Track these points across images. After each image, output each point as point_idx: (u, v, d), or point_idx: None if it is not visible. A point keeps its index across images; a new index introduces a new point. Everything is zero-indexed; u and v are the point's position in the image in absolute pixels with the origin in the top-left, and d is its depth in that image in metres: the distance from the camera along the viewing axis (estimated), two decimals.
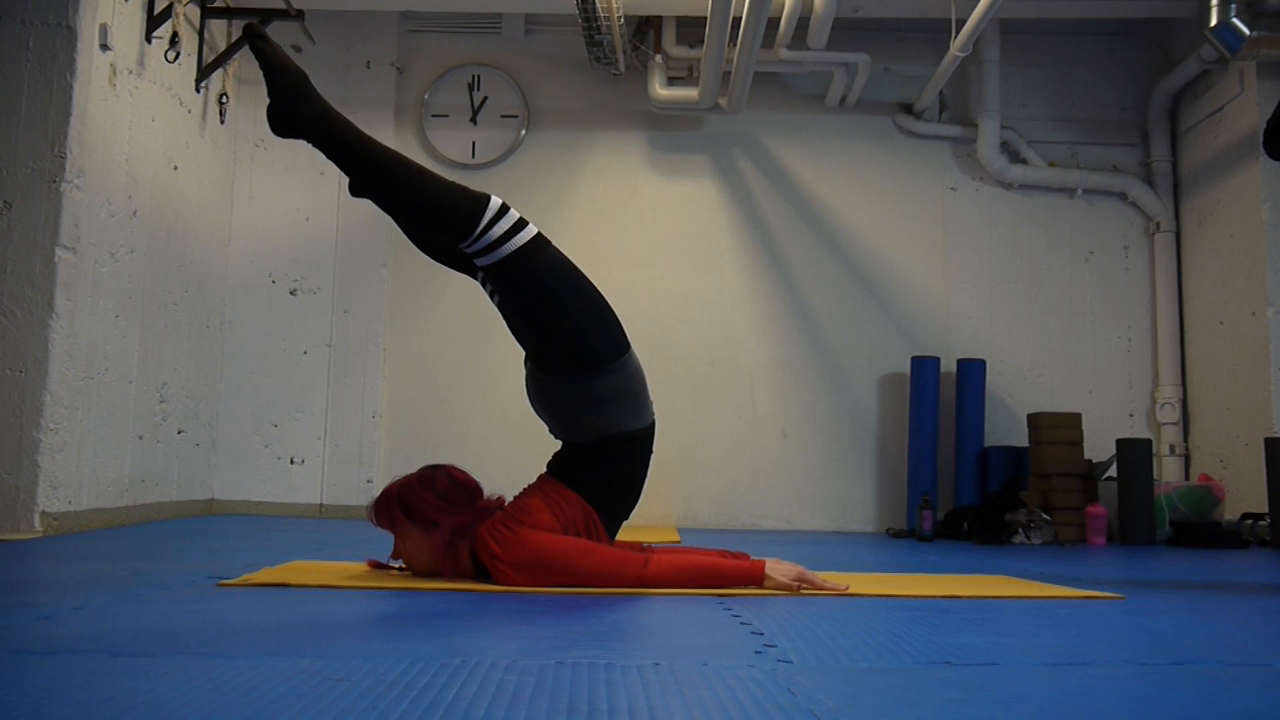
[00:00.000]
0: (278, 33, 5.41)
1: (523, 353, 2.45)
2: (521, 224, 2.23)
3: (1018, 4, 5.24)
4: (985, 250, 5.96)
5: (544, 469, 2.43)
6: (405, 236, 2.67)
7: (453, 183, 2.23)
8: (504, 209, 2.22)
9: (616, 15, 5.24)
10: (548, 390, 2.35)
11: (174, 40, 4.61)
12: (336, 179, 5.74)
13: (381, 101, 5.86)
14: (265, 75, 2.14)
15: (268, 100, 2.16)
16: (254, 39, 2.15)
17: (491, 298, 2.46)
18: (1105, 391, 5.86)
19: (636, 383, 2.37)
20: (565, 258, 2.30)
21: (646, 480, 2.46)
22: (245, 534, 4.09)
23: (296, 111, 2.13)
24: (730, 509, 5.68)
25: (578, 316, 2.27)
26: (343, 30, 5.82)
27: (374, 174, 2.18)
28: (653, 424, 2.43)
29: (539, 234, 2.26)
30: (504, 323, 2.47)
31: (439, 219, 2.20)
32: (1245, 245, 5.32)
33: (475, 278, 2.47)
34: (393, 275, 5.77)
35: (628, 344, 2.36)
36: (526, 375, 2.42)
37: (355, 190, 2.42)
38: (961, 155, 6.01)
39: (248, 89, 5.69)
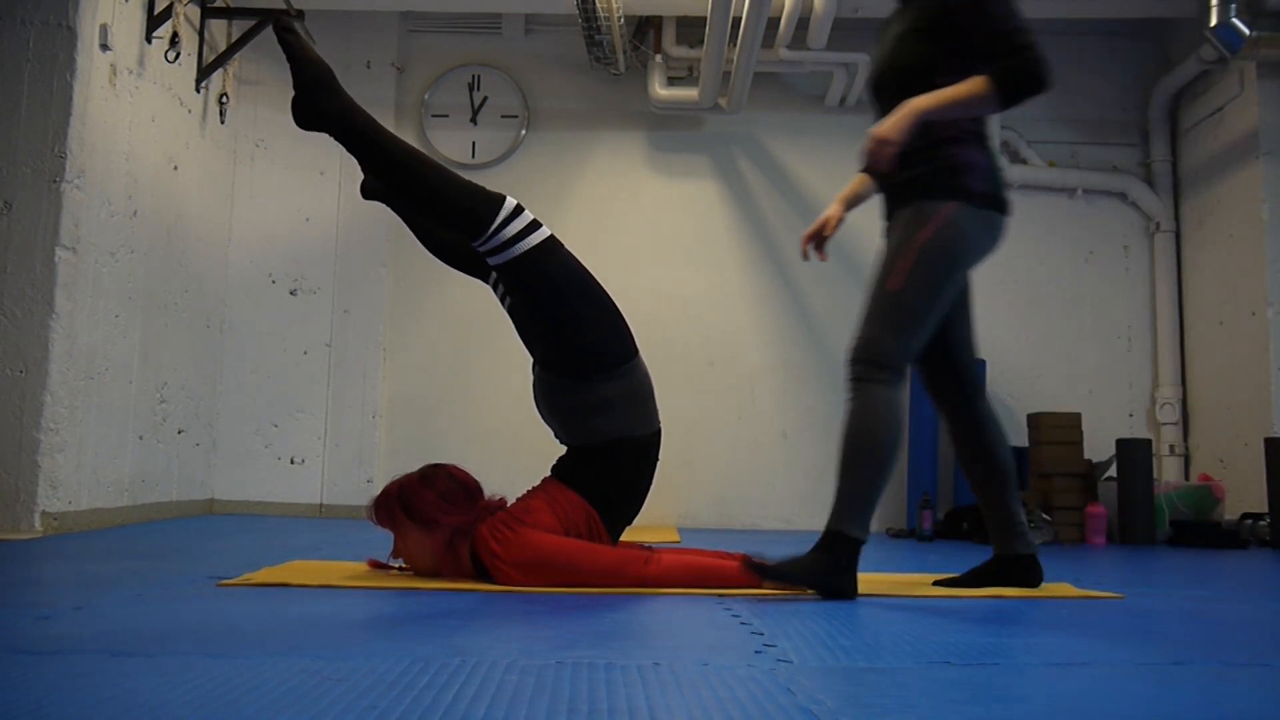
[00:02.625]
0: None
1: (529, 357, 2.46)
2: (535, 225, 2.25)
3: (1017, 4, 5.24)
4: None
5: (547, 471, 2.44)
6: (416, 239, 2.68)
7: (469, 182, 2.25)
8: (518, 210, 2.24)
9: (616, 15, 5.24)
10: (554, 393, 2.36)
11: (174, 40, 4.60)
12: (337, 179, 5.74)
13: (381, 101, 5.85)
14: (291, 67, 2.14)
15: (292, 93, 2.17)
16: (281, 31, 2.15)
17: (503, 301, 2.47)
18: (1105, 391, 5.86)
19: (643, 388, 2.38)
20: (577, 261, 2.32)
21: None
22: (245, 534, 4.09)
23: (319, 104, 2.14)
24: (730, 509, 5.68)
25: (586, 318, 2.28)
26: (343, 30, 5.82)
27: (392, 168, 2.18)
28: (658, 432, 2.43)
29: (551, 236, 2.28)
30: (509, 326, 2.48)
31: (454, 216, 2.21)
32: (1245, 245, 5.32)
33: (487, 280, 2.49)
34: (393, 275, 5.77)
35: (635, 349, 2.38)
36: (534, 380, 2.43)
37: (367, 192, 2.43)
38: None
39: (248, 89, 5.69)
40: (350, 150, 2.19)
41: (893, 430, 2.16)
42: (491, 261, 2.26)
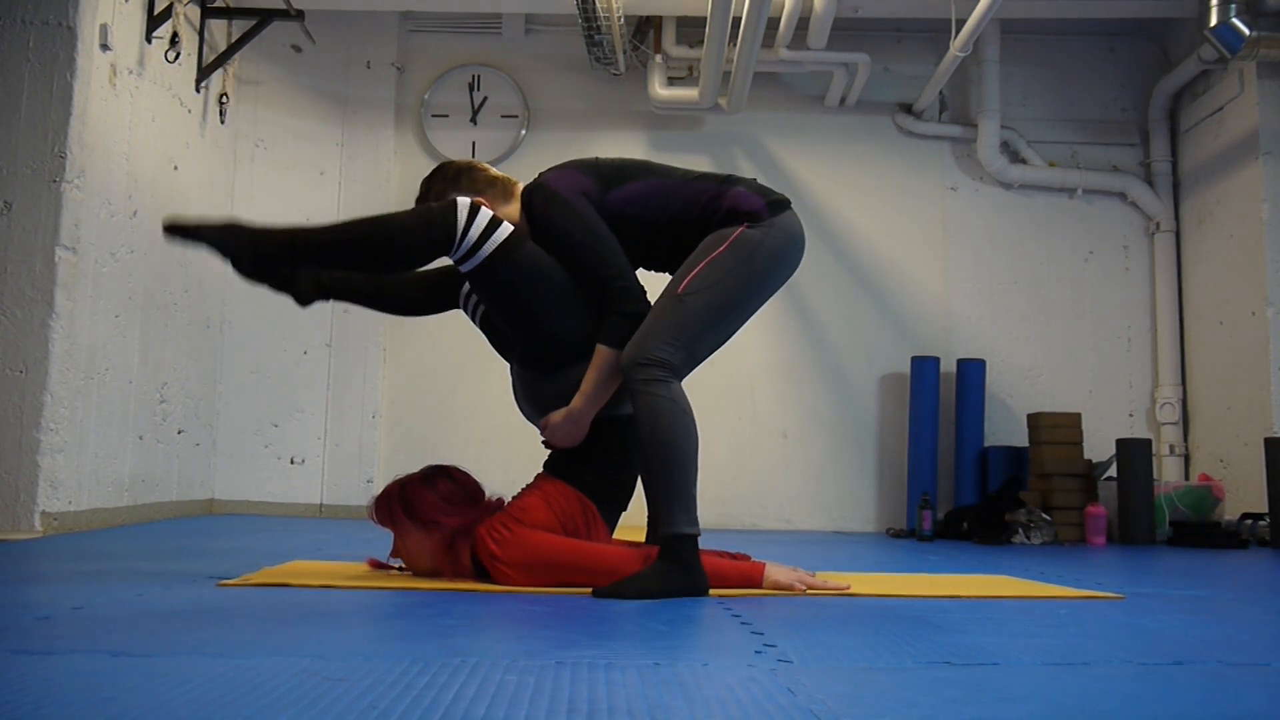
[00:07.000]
0: (278, 32, 5.41)
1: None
2: (496, 221, 2.24)
3: (1018, 4, 5.24)
4: (985, 250, 5.96)
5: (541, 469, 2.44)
6: (383, 312, 2.66)
7: (413, 208, 2.25)
8: (475, 207, 2.23)
9: (616, 15, 5.24)
10: (534, 388, 2.37)
11: (174, 40, 4.60)
12: (337, 179, 5.75)
13: (381, 101, 5.85)
14: (209, 249, 2.16)
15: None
16: (172, 232, 2.19)
17: (473, 315, 2.49)
18: (1105, 391, 5.86)
19: None
20: (543, 252, 2.31)
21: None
22: (245, 534, 4.09)
23: (258, 251, 2.14)
24: (730, 509, 5.68)
25: (558, 308, 2.29)
26: (343, 30, 5.82)
27: (349, 249, 2.17)
28: None
29: (514, 231, 2.27)
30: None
31: (423, 242, 2.20)
32: (1245, 245, 5.32)
33: (458, 304, 2.50)
34: None
35: None
36: (513, 381, 2.44)
37: (306, 299, 2.34)
38: (961, 155, 6.01)
39: (248, 89, 5.69)
40: (307, 261, 2.18)
41: (679, 425, 2.18)
42: (465, 268, 2.25)
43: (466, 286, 2.50)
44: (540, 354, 2.35)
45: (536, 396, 2.38)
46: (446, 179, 2.44)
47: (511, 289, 2.27)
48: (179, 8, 4.65)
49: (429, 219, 2.20)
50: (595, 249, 2.29)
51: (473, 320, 2.54)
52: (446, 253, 2.22)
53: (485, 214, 2.23)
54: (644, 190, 2.37)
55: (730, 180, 2.41)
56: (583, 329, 2.30)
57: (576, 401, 2.28)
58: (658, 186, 2.39)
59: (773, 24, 5.31)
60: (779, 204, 2.39)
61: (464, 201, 2.23)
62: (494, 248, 2.22)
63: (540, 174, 2.44)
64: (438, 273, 2.51)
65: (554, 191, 2.33)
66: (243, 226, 2.18)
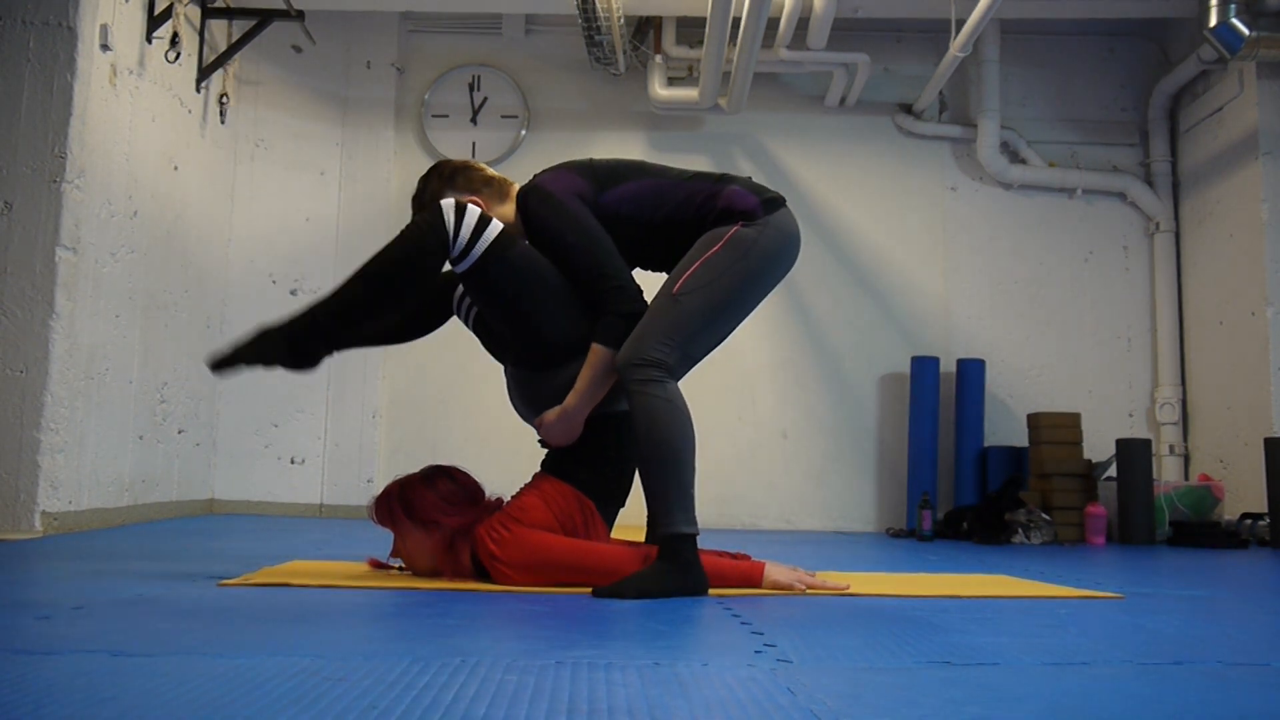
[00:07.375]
0: (278, 33, 5.40)
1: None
2: (486, 219, 2.24)
3: (1018, 4, 5.24)
4: (985, 250, 5.96)
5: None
6: (387, 344, 2.69)
7: (401, 231, 2.25)
8: (463, 207, 2.23)
9: (616, 15, 5.24)
10: (529, 387, 2.37)
11: (174, 40, 4.60)
12: (337, 179, 5.74)
13: (381, 101, 5.85)
14: (256, 364, 2.21)
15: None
16: (221, 368, 2.21)
17: (467, 319, 2.50)
18: (1105, 391, 5.86)
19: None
20: (536, 251, 2.31)
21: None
22: (245, 534, 4.09)
23: (292, 344, 2.20)
24: (730, 509, 5.68)
25: (554, 306, 2.30)
26: (343, 30, 5.82)
27: (364, 293, 2.22)
28: None
29: (504, 230, 2.27)
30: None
31: (422, 255, 2.21)
32: (1245, 245, 5.32)
33: (453, 312, 2.52)
34: None
35: None
36: (508, 383, 2.44)
37: (313, 361, 2.32)
38: (961, 155, 6.01)
39: (248, 89, 5.69)
40: (332, 328, 2.23)
41: (676, 425, 2.18)
42: (459, 269, 2.25)
43: (460, 290, 2.50)
44: (535, 354, 2.35)
45: (532, 396, 2.38)
46: (443, 178, 2.43)
47: (505, 289, 2.27)
48: (179, 8, 4.65)
49: (420, 231, 2.21)
50: (590, 250, 2.29)
51: (466, 323, 2.54)
52: (447, 256, 2.22)
53: (474, 212, 2.23)
54: (638, 190, 2.37)
55: (725, 179, 2.40)
56: (577, 329, 2.30)
57: (570, 400, 2.28)
58: (652, 186, 2.38)
59: (773, 24, 5.31)
60: (773, 202, 2.38)
61: (449, 202, 2.23)
62: (486, 246, 2.22)
63: (534, 175, 2.43)
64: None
65: (548, 193, 2.33)
66: (270, 330, 2.21)
